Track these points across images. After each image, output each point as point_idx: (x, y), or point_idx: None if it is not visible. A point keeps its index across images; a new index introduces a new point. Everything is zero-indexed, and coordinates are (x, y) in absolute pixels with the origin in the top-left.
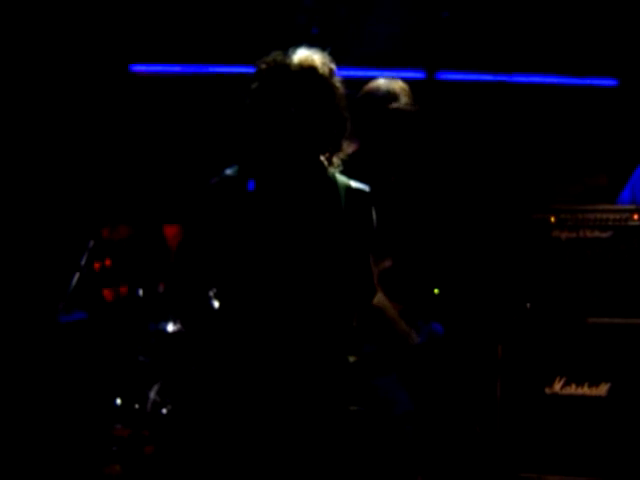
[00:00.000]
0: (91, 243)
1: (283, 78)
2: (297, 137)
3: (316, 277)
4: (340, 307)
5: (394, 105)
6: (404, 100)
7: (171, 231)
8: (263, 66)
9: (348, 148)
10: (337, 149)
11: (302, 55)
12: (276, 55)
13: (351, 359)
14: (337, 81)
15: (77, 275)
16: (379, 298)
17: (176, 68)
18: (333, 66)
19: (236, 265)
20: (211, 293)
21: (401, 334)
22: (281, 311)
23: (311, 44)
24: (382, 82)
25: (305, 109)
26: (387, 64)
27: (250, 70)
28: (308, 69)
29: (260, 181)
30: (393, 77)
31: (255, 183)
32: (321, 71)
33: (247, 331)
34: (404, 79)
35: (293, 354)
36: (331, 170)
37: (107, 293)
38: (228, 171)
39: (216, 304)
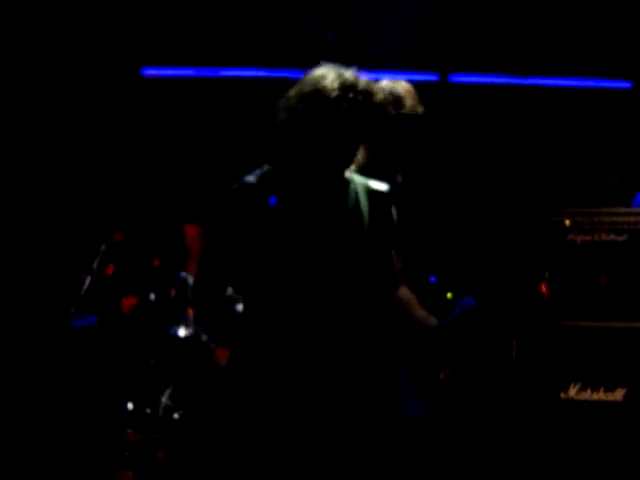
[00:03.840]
0: (103, 247)
1: (351, 107)
2: (327, 160)
3: (338, 279)
4: (365, 310)
5: (401, 108)
6: (409, 103)
7: (191, 230)
8: (335, 93)
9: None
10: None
11: (365, 85)
12: (341, 77)
13: (379, 356)
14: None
15: (89, 279)
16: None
17: (188, 71)
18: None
19: (259, 272)
20: (231, 292)
21: (417, 318)
22: (305, 317)
23: (325, 47)
24: (385, 84)
25: (350, 134)
26: (400, 67)
27: (261, 73)
28: (369, 98)
29: (281, 192)
30: (397, 78)
31: (277, 195)
32: (380, 108)
33: (272, 336)
34: (417, 82)
35: (315, 363)
36: (347, 172)
37: (125, 303)
38: (249, 178)
39: (239, 308)
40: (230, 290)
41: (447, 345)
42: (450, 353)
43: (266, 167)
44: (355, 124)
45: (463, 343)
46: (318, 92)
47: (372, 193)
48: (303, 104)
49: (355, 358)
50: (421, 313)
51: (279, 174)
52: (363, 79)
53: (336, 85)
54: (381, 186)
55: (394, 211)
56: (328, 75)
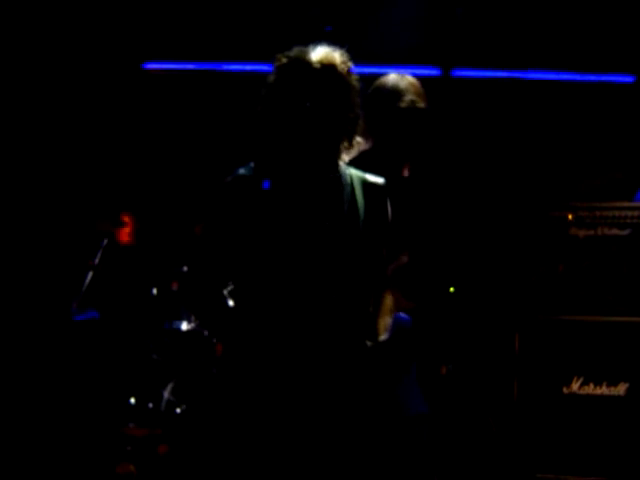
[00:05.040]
0: (105, 242)
1: (302, 74)
2: (312, 134)
3: (331, 269)
4: (356, 297)
5: (400, 102)
6: (411, 96)
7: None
8: (284, 60)
9: (362, 145)
10: (350, 146)
11: (322, 52)
12: (296, 51)
13: (368, 343)
14: (354, 79)
15: (90, 274)
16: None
17: (189, 65)
18: (350, 64)
19: (252, 262)
20: (225, 292)
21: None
22: (297, 307)
23: (325, 41)
24: (390, 78)
25: (322, 106)
26: (402, 61)
27: (263, 67)
28: (328, 66)
29: (275, 180)
30: (403, 73)
31: (270, 182)
32: (340, 69)
33: (264, 327)
34: (419, 76)
35: (308, 351)
36: (343, 165)
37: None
38: (242, 170)
39: (231, 303)
40: (230, 286)
41: (382, 364)
42: (386, 371)
43: (259, 160)
44: (309, 93)
45: (400, 361)
46: (296, 62)
47: (368, 185)
48: (277, 75)
49: (341, 349)
50: (381, 321)
51: (270, 158)
52: (323, 51)
53: (285, 60)
54: (378, 179)
55: (389, 206)
56: (309, 50)
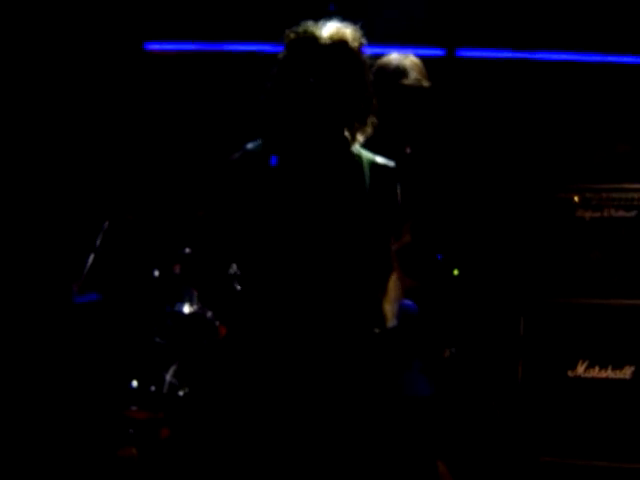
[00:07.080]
0: (106, 224)
1: (312, 50)
2: (321, 110)
3: (338, 252)
4: (362, 282)
5: (403, 81)
6: (414, 75)
7: None
8: (292, 36)
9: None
10: (363, 125)
11: (333, 28)
12: (306, 26)
13: (376, 330)
14: (366, 56)
15: (92, 256)
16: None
17: (191, 46)
18: (363, 41)
19: (258, 240)
20: (230, 273)
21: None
22: (304, 286)
23: (328, 20)
24: (393, 57)
25: (332, 82)
26: (406, 41)
27: (266, 47)
28: (338, 42)
29: (283, 156)
30: (406, 52)
31: (278, 158)
32: (351, 45)
33: (270, 307)
34: (423, 56)
35: (314, 337)
36: (355, 145)
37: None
38: (249, 145)
39: (236, 284)
40: (234, 267)
41: (389, 349)
42: (393, 357)
43: (267, 136)
44: (316, 69)
45: (406, 347)
46: (285, 46)
47: (377, 167)
48: (287, 51)
49: (348, 335)
50: (388, 308)
51: (279, 134)
52: (334, 27)
53: (293, 35)
54: (388, 162)
55: (399, 190)
56: (319, 25)
